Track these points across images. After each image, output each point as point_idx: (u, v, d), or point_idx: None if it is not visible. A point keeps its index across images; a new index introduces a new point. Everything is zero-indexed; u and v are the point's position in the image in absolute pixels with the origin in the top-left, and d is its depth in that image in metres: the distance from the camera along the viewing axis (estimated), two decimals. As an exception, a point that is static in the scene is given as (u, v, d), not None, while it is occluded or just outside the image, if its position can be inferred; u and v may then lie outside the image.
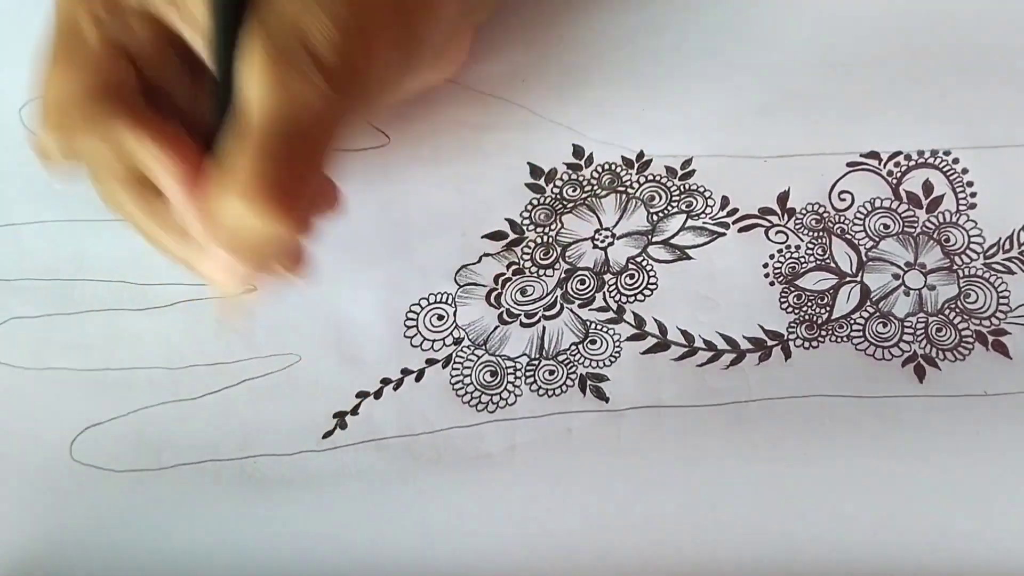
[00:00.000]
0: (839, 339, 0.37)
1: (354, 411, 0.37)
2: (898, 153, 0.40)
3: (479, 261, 0.40)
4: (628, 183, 0.40)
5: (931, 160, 0.39)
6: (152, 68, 0.34)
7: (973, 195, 0.39)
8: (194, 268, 0.34)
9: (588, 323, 0.38)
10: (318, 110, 0.30)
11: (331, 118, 0.31)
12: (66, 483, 0.36)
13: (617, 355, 0.38)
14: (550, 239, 0.40)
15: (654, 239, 0.39)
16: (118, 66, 0.33)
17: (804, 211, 0.39)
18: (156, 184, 0.33)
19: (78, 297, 0.40)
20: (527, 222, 0.40)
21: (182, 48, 0.34)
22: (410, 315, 0.39)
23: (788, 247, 0.39)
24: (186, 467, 0.36)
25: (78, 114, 0.32)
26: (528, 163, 0.41)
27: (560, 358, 0.38)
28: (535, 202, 0.40)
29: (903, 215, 0.39)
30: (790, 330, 0.37)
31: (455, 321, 0.39)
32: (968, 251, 0.38)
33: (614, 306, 0.38)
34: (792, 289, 0.38)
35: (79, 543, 0.35)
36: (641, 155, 0.41)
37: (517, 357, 0.38)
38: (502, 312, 0.39)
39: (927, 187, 0.39)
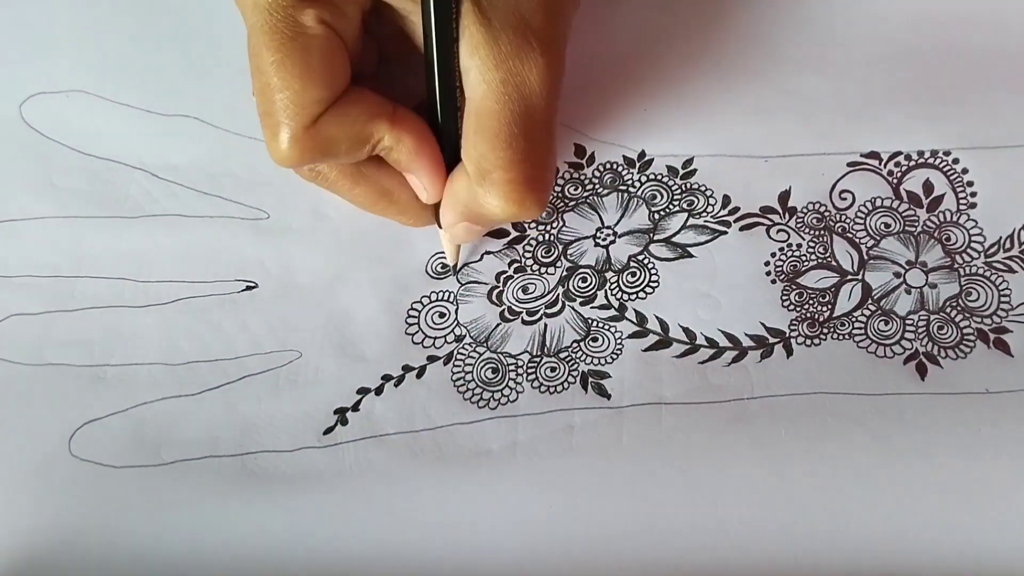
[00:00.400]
0: (841, 337, 0.37)
1: (355, 407, 0.37)
2: (898, 153, 0.40)
3: (481, 259, 0.40)
4: (630, 182, 0.40)
5: (931, 160, 0.40)
6: (356, 52, 0.35)
7: (973, 195, 0.39)
8: (414, 224, 0.39)
9: (590, 321, 0.38)
10: (549, 90, 0.33)
11: (552, 93, 0.33)
12: (65, 479, 0.36)
13: (619, 352, 0.37)
14: (552, 237, 0.40)
15: (656, 237, 0.39)
16: (345, 61, 0.33)
17: (805, 210, 0.39)
18: (398, 167, 0.36)
19: (79, 294, 0.39)
20: (529, 220, 0.40)
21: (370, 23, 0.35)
22: (411, 312, 0.39)
23: (789, 245, 0.39)
24: (186, 463, 0.36)
25: (334, 121, 0.33)
26: (529, 162, 0.41)
27: (562, 355, 0.38)
28: (537, 201, 0.40)
29: (904, 214, 0.39)
30: (792, 328, 0.37)
31: (457, 319, 0.38)
32: (969, 250, 0.38)
33: (616, 304, 0.38)
34: (794, 287, 0.38)
35: (78, 539, 0.35)
36: (643, 155, 0.41)
37: (519, 354, 0.38)
38: (504, 310, 0.39)
39: (927, 187, 0.39)
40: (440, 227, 0.38)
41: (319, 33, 0.32)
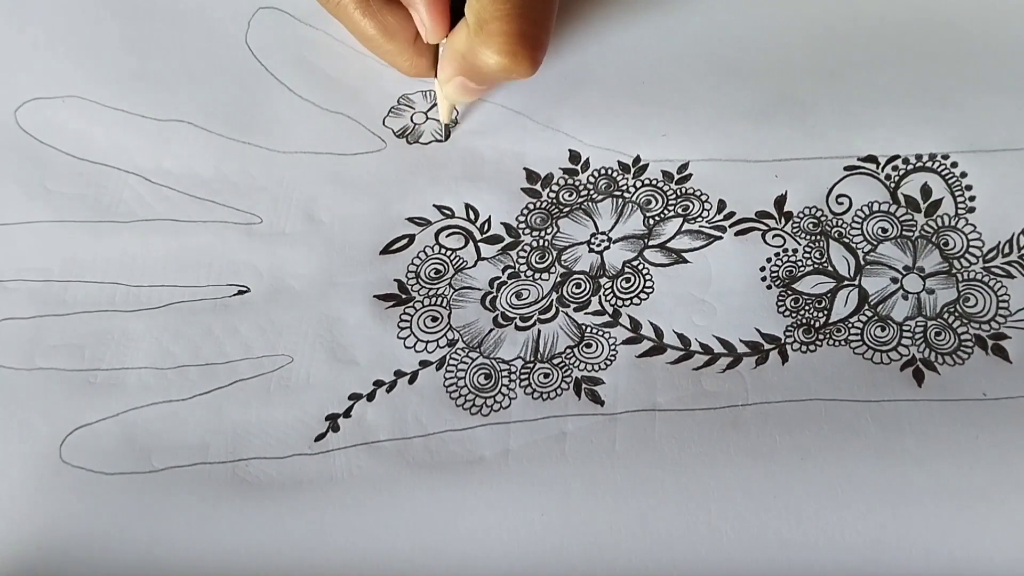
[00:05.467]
0: (837, 343, 0.37)
1: (346, 413, 0.37)
2: (896, 157, 0.39)
3: (474, 264, 0.39)
4: (624, 187, 0.40)
5: (929, 164, 0.39)
6: None
7: (972, 199, 0.38)
8: (408, 70, 0.41)
9: (584, 327, 0.38)
10: None
11: None
12: (56, 486, 0.36)
13: (613, 358, 0.37)
14: (546, 243, 0.40)
15: (650, 243, 0.39)
16: None
17: (801, 215, 0.39)
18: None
19: (70, 299, 0.39)
20: (523, 226, 0.40)
21: None
22: (404, 316, 0.38)
23: (785, 250, 0.38)
24: (177, 470, 0.36)
25: None
26: (524, 168, 0.41)
27: (555, 361, 0.37)
28: (531, 206, 0.40)
29: (901, 219, 0.39)
30: (787, 334, 0.37)
31: (449, 323, 0.38)
32: (967, 255, 0.38)
33: (610, 310, 0.38)
34: (789, 292, 0.38)
35: (69, 547, 0.35)
36: (637, 160, 0.41)
37: (512, 360, 0.37)
38: (497, 315, 0.38)
39: (925, 191, 0.39)
40: (437, 79, 0.39)
41: None
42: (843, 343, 0.37)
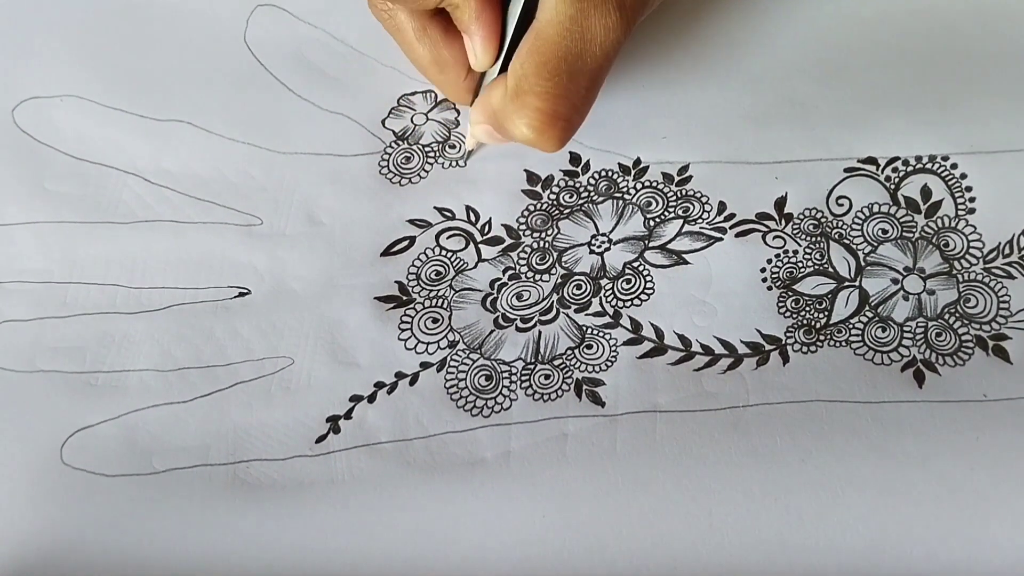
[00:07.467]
0: (837, 344, 0.37)
1: (347, 415, 0.37)
2: (896, 158, 0.39)
3: (475, 266, 0.39)
4: (625, 189, 0.40)
5: (929, 165, 0.39)
6: None
7: (972, 200, 0.39)
8: (452, 98, 0.42)
9: (584, 328, 0.38)
10: (609, 48, 0.34)
11: (611, 51, 0.34)
12: (57, 488, 0.36)
13: (613, 359, 0.37)
14: (547, 244, 0.39)
15: (651, 244, 0.39)
16: None
17: (802, 216, 0.39)
18: (459, 25, 0.37)
19: (70, 300, 0.39)
20: (523, 227, 0.40)
21: None
22: (404, 318, 0.38)
23: (786, 252, 0.38)
24: (177, 472, 0.36)
25: None
26: (525, 170, 0.41)
27: (556, 362, 0.37)
28: (531, 208, 0.40)
29: (901, 220, 0.39)
30: (788, 335, 0.37)
31: (450, 324, 0.38)
32: (967, 256, 0.38)
33: (611, 311, 0.38)
34: (790, 294, 0.38)
35: (70, 549, 0.35)
36: (638, 162, 0.41)
37: (512, 361, 0.37)
38: (498, 316, 0.38)
39: (925, 192, 0.39)
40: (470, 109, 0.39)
41: None
42: (844, 344, 0.37)
